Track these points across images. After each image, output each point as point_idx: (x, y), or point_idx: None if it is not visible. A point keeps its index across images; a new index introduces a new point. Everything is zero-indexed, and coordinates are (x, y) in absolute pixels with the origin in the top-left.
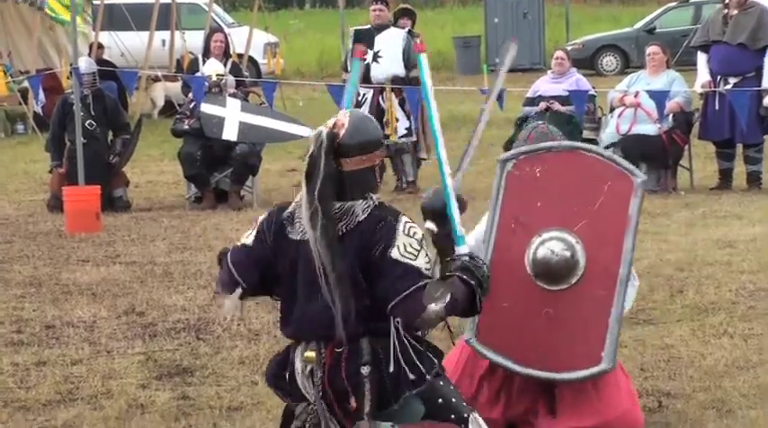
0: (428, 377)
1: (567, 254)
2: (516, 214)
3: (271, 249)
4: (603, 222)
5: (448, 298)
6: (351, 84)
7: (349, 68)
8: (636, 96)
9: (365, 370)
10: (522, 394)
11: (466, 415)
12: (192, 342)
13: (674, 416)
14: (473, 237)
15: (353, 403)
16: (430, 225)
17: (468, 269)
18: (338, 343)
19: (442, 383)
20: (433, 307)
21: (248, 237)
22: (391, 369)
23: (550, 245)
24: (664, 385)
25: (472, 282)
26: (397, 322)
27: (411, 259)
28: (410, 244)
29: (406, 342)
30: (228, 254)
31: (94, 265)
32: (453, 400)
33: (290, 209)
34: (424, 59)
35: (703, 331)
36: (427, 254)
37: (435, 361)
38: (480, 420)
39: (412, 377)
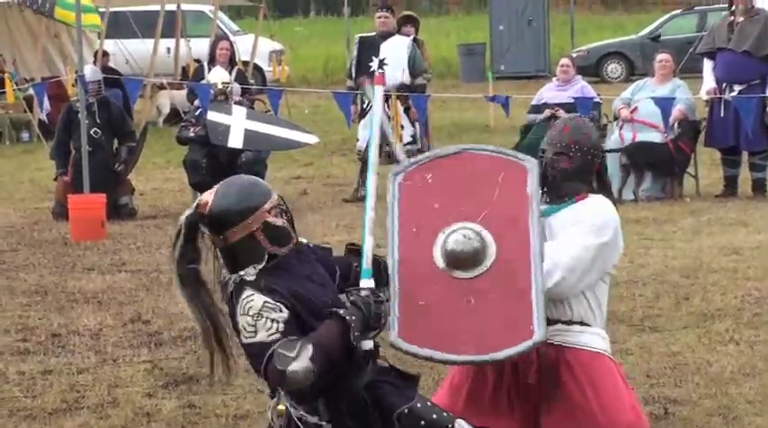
0: (402, 412)
1: (475, 239)
2: (415, 219)
3: None
4: (505, 207)
5: (309, 350)
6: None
7: (353, 76)
8: (633, 111)
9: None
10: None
11: (450, 426)
12: (198, 350)
13: (680, 424)
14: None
15: None
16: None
17: (353, 304)
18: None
19: (420, 405)
20: (294, 367)
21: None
22: (358, 420)
23: (456, 235)
24: (670, 392)
25: (346, 317)
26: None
27: (252, 337)
28: (246, 322)
29: (364, 392)
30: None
31: (100, 273)
32: (434, 416)
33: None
34: (378, 91)
35: (709, 338)
36: (268, 320)
37: (412, 386)
38: (465, 424)
39: (382, 420)
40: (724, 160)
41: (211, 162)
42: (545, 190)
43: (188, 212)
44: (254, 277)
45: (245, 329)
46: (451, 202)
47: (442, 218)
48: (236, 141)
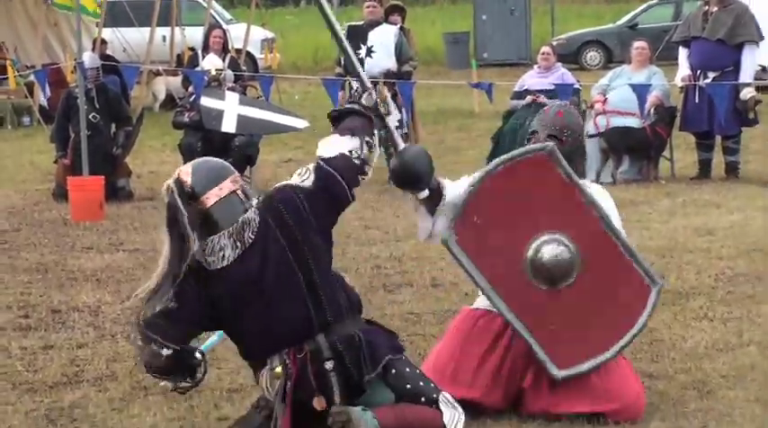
0: (390, 359)
1: (560, 249)
2: (492, 264)
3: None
4: (554, 199)
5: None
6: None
7: (342, 63)
8: (605, 102)
9: (328, 365)
10: (523, 369)
11: (435, 396)
12: None
13: (657, 397)
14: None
15: (319, 404)
16: None
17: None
18: (299, 349)
19: (407, 369)
20: (351, 144)
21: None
22: (353, 358)
23: (540, 253)
24: (647, 367)
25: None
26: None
27: (307, 176)
28: (299, 174)
29: (359, 331)
30: None
31: (98, 252)
32: (421, 383)
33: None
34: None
35: (684, 315)
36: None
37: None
38: (450, 398)
39: (375, 360)
40: (698, 144)
41: (205, 146)
42: None
43: (170, 181)
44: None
45: (299, 177)
46: (511, 226)
47: (513, 246)
48: (229, 126)
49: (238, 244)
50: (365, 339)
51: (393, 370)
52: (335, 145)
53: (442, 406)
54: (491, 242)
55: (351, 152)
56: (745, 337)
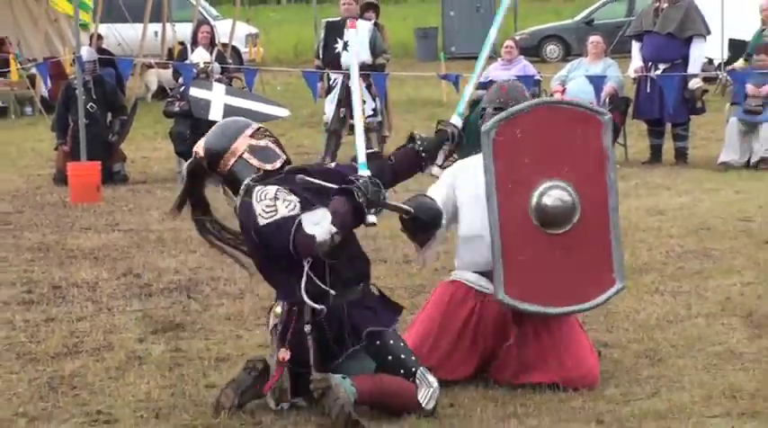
0: (371, 331)
1: (566, 198)
2: (510, 175)
3: None
4: (585, 161)
5: (328, 217)
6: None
7: (320, 56)
8: (563, 92)
9: (307, 328)
10: (495, 336)
11: (414, 370)
12: (183, 300)
13: (612, 364)
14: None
15: (281, 356)
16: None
17: (350, 185)
18: (290, 305)
19: (392, 342)
20: (320, 230)
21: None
22: (334, 327)
23: (548, 195)
24: (602, 336)
25: (352, 190)
26: (308, 261)
27: (273, 215)
28: (265, 205)
29: (346, 305)
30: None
31: (96, 232)
32: (402, 356)
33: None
34: (353, 34)
35: (637, 289)
36: (285, 200)
37: (394, 315)
38: (427, 374)
39: (363, 337)
40: (650, 131)
41: (194, 133)
42: None
43: (187, 163)
44: (258, 180)
45: (264, 212)
46: (539, 157)
47: (532, 173)
48: (216, 114)
49: None
50: (349, 312)
51: (378, 341)
52: (315, 224)
53: (417, 382)
54: (518, 158)
55: (316, 238)
56: (693, 310)
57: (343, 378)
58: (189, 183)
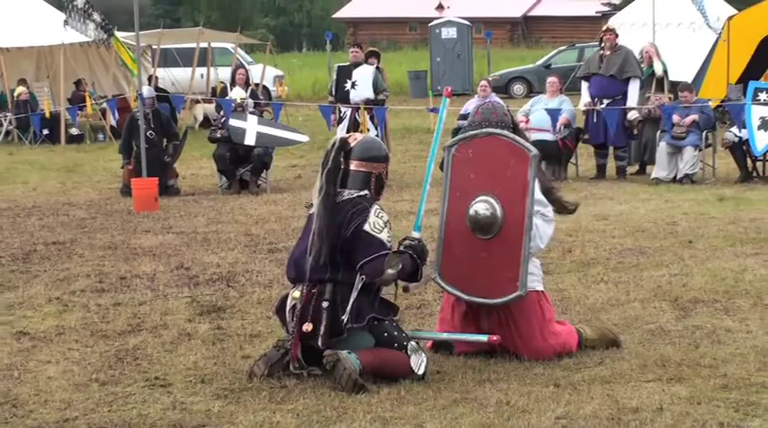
0: (373, 316)
1: (490, 212)
2: (459, 185)
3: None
4: (512, 186)
5: (400, 266)
6: (440, 118)
7: (333, 93)
8: (527, 122)
9: (325, 304)
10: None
11: (405, 343)
12: (223, 288)
13: None
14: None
15: (306, 328)
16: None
17: (415, 248)
18: (313, 285)
19: (387, 322)
20: (390, 272)
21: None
22: (347, 308)
23: (478, 206)
24: (558, 317)
25: (418, 259)
26: (362, 278)
27: (377, 232)
28: (377, 222)
29: (363, 293)
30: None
31: (154, 234)
32: (395, 333)
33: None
34: (447, 101)
35: (586, 279)
36: (389, 231)
37: (390, 312)
38: (416, 345)
39: (365, 321)
40: (596, 153)
41: (232, 155)
42: None
43: (338, 137)
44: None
45: (374, 224)
46: (481, 175)
47: (474, 187)
48: (250, 140)
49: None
50: (357, 300)
51: (376, 322)
52: (388, 265)
53: (409, 353)
54: (467, 172)
55: (388, 272)
56: (631, 296)
57: (349, 353)
58: (337, 152)
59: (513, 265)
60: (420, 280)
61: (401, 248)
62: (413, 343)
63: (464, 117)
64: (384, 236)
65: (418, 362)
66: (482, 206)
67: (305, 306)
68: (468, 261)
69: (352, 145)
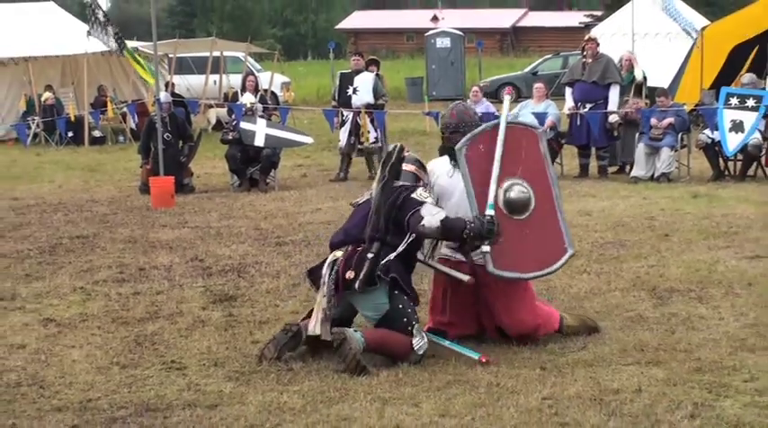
0: (394, 277)
1: (525, 194)
2: (481, 181)
3: None
4: (531, 164)
5: (442, 215)
6: (503, 116)
7: (336, 98)
8: None
9: (369, 255)
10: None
11: (413, 322)
12: (234, 279)
13: None
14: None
15: (349, 275)
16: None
17: (476, 222)
18: (358, 244)
19: (406, 299)
20: (429, 219)
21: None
22: (384, 263)
23: (512, 190)
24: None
25: (466, 222)
26: (408, 240)
27: (422, 199)
28: (422, 193)
29: (400, 259)
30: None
31: (170, 228)
32: (409, 311)
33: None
34: (507, 99)
35: (570, 270)
36: (433, 200)
37: (413, 293)
38: (421, 329)
39: (389, 277)
40: (580, 153)
41: (243, 155)
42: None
43: (397, 147)
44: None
45: (420, 194)
46: (498, 163)
47: (498, 177)
48: (259, 141)
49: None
50: (394, 262)
51: (396, 291)
52: (431, 214)
53: (414, 332)
54: (484, 166)
55: (426, 223)
56: (611, 285)
57: (355, 331)
58: (397, 157)
59: (556, 231)
60: (479, 254)
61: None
62: (419, 325)
63: None
64: (429, 201)
65: (419, 344)
66: (517, 189)
67: (349, 257)
68: (514, 244)
69: (407, 153)
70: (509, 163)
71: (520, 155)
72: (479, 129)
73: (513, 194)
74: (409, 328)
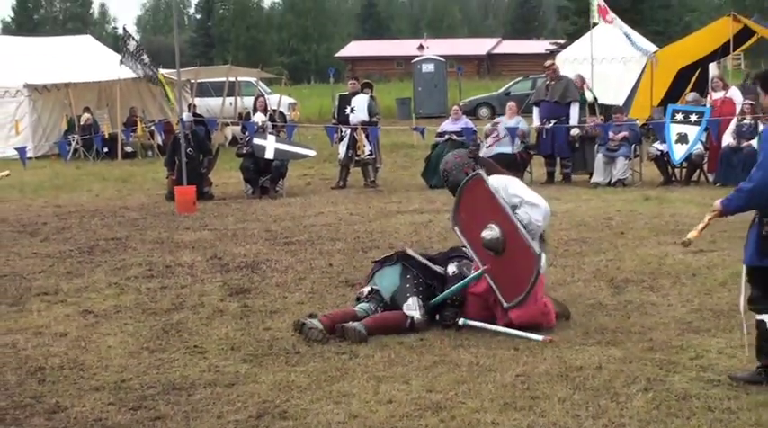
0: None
1: (495, 235)
2: (471, 239)
3: None
4: (487, 208)
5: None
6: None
7: (335, 116)
8: (497, 134)
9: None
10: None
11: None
12: (249, 274)
13: None
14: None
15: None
16: None
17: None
18: None
19: (416, 281)
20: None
21: None
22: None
23: (484, 235)
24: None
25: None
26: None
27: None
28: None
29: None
30: None
31: (193, 231)
32: (414, 290)
33: None
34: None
35: None
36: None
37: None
38: (419, 302)
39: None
40: (546, 162)
41: (255, 167)
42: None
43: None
44: None
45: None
46: (470, 218)
47: (475, 230)
48: (269, 154)
49: None
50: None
51: (408, 275)
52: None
53: (411, 300)
54: (469, 226)
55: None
56: (575, 277)
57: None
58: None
59: (525, 249)
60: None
61: None
62: (417, 299)
63: (440, 135)
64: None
65: (413, 312)
66: (485, 233)
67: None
68: (508, 273)
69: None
70: (476, 216)
71: (477, 205)
72: (454, 201)
73: (485, 236)
74: (409, 297)
